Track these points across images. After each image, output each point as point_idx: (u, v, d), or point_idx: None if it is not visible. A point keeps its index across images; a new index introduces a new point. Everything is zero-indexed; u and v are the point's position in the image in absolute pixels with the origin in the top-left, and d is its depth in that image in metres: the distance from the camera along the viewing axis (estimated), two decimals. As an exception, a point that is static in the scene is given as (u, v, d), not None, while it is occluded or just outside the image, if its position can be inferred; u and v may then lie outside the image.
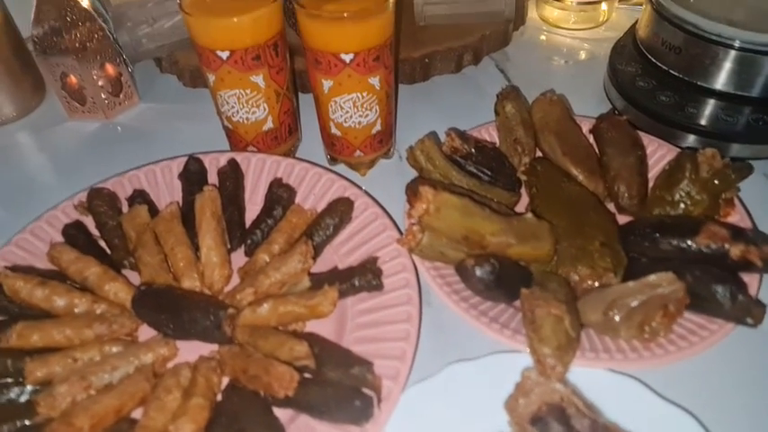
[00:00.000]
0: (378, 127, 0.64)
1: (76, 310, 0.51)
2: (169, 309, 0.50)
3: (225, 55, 0.58)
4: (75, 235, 0.59)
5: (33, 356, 0.47)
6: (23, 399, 0.46)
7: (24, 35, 0.81)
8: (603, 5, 0.88)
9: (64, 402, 0.44)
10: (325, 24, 0.55)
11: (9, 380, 0.47)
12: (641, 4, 0.87)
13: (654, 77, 0.69)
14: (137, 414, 0.45)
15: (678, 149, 0.62)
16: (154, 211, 0.61)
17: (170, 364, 0.50)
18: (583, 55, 0.88)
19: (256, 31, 0.57)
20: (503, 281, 0.49)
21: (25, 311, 0.52)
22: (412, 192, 0.57)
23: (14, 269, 0.53)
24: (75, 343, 0.49)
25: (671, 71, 0.68)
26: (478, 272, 0.48)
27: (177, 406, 0.44)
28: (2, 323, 0.50)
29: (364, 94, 0.60)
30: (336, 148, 0.67)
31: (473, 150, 0.60)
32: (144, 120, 0.82)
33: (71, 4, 0.73)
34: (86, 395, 0.45)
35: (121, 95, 0.81)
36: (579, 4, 0.87)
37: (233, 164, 0.64)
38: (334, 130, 0.64)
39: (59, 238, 0.58)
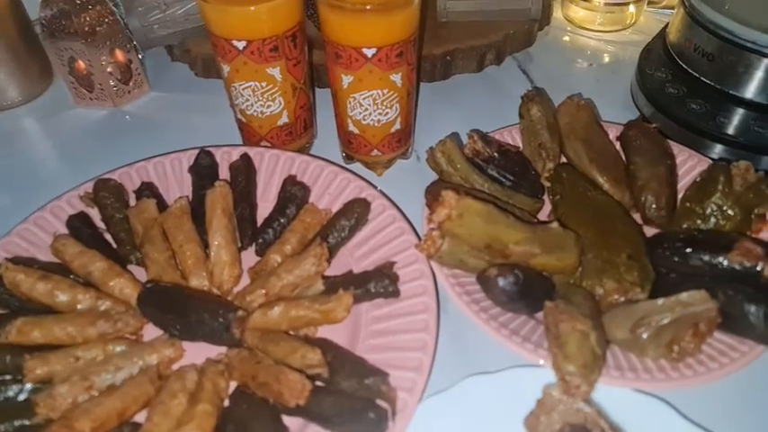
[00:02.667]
0: (397, 126, 0.62)
1: (79, 307, 0.49)
2: (176, 308, 0.48)
3: (241, 45, 0.56)
4: (79, 227, 0.57)
5: (33, 353, 0.45)
6: (22, 397, 0.45)
7: (32, 17, 0.79)
8: (631, 8, 0.85)
9: (64, 403, 0.42)
10: (348, 16, 0.53)
11: (7, 377, 0.45)
12: (671, 8, 0.85)
13: (684, 84, 0.67)
14: (140, 417, 0.43)
15: (709, 160, 0.60)
16: (162, 204, 0.59)
17: (175, 366, 0.48)
18: (608, 58, 0.85)
19: (275, 20, 0.55)
20: (526, 292, 0.47)
21: (26, 306, 0.50)
22: (433, 196, 0.55)
23: (16, 261, 0.51)
24: (77, 341, 0.47)
25: (702, 78, 0.66)
26: (501, 282, 0.45)
27: (183, 411, 0.42)
28: (1, 317, 0.48)
29: (385, 92, 0.58)
30: (353, 147, 0.64)
31: (496, 154, 0.58)
32: (154, 109, 0.80)
33: (80, -13, 0.71)
34: (88, 396, 0.43)
35: (131, 83, 0.79)
36: (606, 4, 0.84)
37: (246, 159, 0.62)
38: (351, 128, 0.62)
39: (63, 230, 0.56)
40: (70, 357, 0.45)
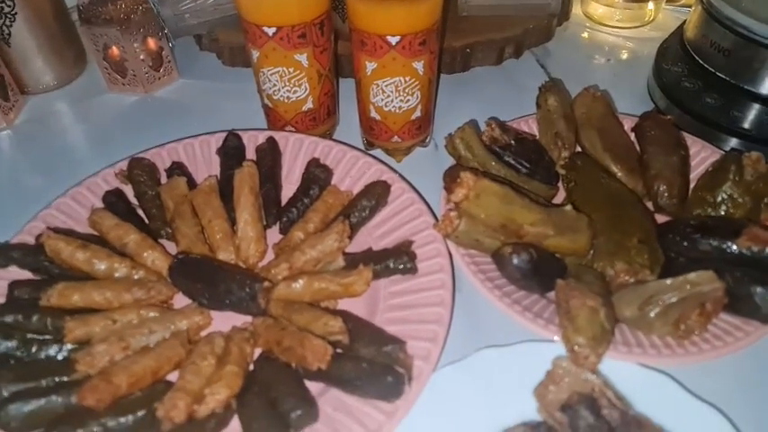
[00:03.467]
0: (417, 113, 0.64)
1: (116, 275, 0.52)
2: (205, 279, 0.51)
3: (271, 31, 0.58)
4: (114, 202, 0.60)
5: (74, 316, 0.48)
6: (61, 356, 0.48)
7: (68, 4, 0.82)
8: (650, 5, 0.86)
9: (102, 361, 0.45)
10: (374, 5, 0.55)
11: (48, 337, 0.48)
12: (688, 6, 0.86)
13: (700, 79, 0.68)
14: (171, 378, 0.46)
15: (721, 152, 0.61)
16: (191, 183, 0.62)
17: (204, 333, 0.50)
18: (625, 54, 0.86)
19: (304, 8, 0.58)
20: (539, 271, 0.49)
21: (65, 273, 0.53)
22: (451, 177, 0.56)
23: (56, 232, 0.54)
24: (114, 305, 0.50)
25: (718, 73, 0.67)
26: (516, 260, 0.47)
27: (212, 372, 0.44)
28: (43, 282, 0.51)
29: (407, 79, 0.60)
30: (374, 133, 0.67)
31: (512, 141, 0.60)
32: (182, 95, 0.83)
33: (116, -24, 0.74)
34: (124, 356, 0.46)
35: (161, 70, 0.82)
36: (626, 1, 0.86)
37: (271, 141, 0.65)
38: (373, 114, 0.65)
39: (99, 205, 0.60)
40: (108, 320, 0.48)
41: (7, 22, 0.75)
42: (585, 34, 0.90)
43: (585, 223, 0.52)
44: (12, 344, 0.46)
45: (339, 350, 0.46)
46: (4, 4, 0.74)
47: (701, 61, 0.69)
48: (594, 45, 0.88)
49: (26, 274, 0.53)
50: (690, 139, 0.63)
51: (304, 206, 0.60)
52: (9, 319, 0.47)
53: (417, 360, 0.45)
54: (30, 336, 0.47)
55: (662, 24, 0.89)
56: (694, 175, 0.60)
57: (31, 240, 0.55)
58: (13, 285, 0.50)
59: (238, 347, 0.47)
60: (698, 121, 0.66)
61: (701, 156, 0.62)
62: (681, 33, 0.75)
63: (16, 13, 0.75)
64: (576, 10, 0.93)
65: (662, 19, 0.91)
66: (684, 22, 0.75)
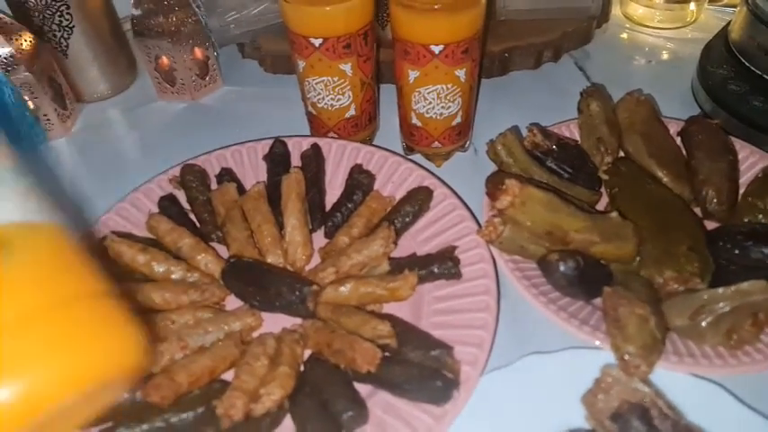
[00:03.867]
0: (458, 119, 0.65)
1: (173, 277, 0.54)
2: (256, 282, 0.53)
3: (318, 42, 0.60)
4: (168, 207, 0.62)
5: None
6: (124, 354, 0.50)
7: (120, 14, 0.86)
8: (692, 5, 0.85)
9: (163, 360, 0.47)
10: (417, 15, 0.57)
11: (112, 336, 0.51)
12: (732, 6, 0.85)
13: (747, 81, 0.67)
14: (226, 377, 0.48)
15: (771, 157, 0.61)
16: (240, 189, 0.64)
17: (255, 334, 0.52)
18: (667, 55, 0.85)
19: (349, 19, 0.59)
20: (585, 278, 0.49)
21: (125, 276, 0.55)
22: (494, 184, 0.57)
23: (119, 234, 0.57)
24: (171, 306, 0.52)
25: (765, 76, 0.66)
26: (562, 267, 0.48)
27: (265, 372, 0.46)
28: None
29: (449, 86, 0.61)
30: (415, 139, 0.68)
31: (555, 147, 0.60)
32: (226, 102, 0.85)
33: (167, -10, 0.77)
34: (182, 355, 0.48)
35: (207, 78, 0.85)
36: (667, 2, 0.85)
37: (316, 148, 0.66)
38: (414, 120, 0.66)
39: (155, 209, 0.62)
40: (167, 320, 0.50)
41: (65, 35, 0.79)
42: (625, 35, 0.90)
43: (631, 230, 0.52)
44: (79, 343, 0.49)
45: (387, 353, 0.48)
46: (62, 18, 0.78)
47: (747, 63, 0.68)
48: (635, 46, 0.88)
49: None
50: (738, 143, 0.62)
51: (348, 211, 0.62)
52: (75, 319, 0.50)
53: (464, 365, 0.46)
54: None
55: (704, 25, 0.88)
56: (743, 180, 0.59)
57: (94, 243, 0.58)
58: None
59: (290, 349, 0.49)
60: (745, 124, 0.65)
61: (750, 161, 0.61)
62: (725, 35, 0.73)
63: (74, 26, 0.79)
64: (616, 11, 0.92)
65: (704, 19, 0.89)
66: (729, 23, 0.74)
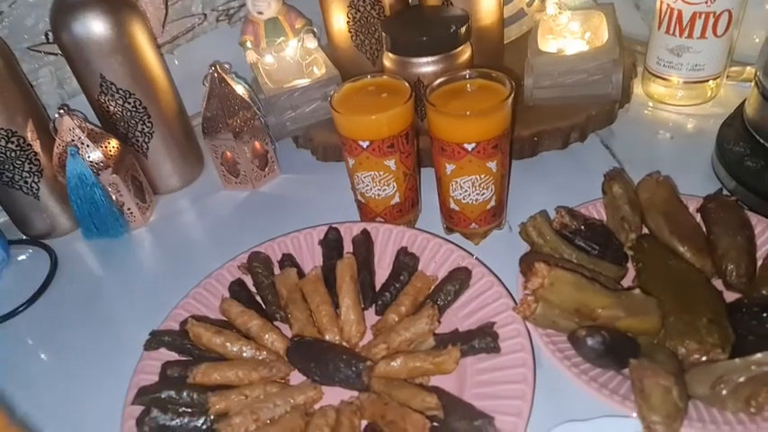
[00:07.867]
0: (492, 203, 0.72)
1: (244, 355, 0.62)
2: (317, 358, 0.60)
3: (365, 144, 0.69)
4: (238, 291, 0.71)
5: (215, 391, 0.58)
6: (205, 426, 0.57)
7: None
8: (711, 82, 0.91)
9: (239, 431, 0.54)
10: (452, 120, 0.65)
11: (195, 410, 0.58)
12: (749, 81, 0.90)
13: (762, 158, 0.72)
14: (293, 446, 0.55)
15: (788, 230, 0.64)
16: (300, 273, 0.72)
17: (317, 406, 0.59)
18: (689, 130, 0.91)
19: (392, 125, 0.69)
20: (612, 351, 0.54)
21: (203, 354, 0.64)
22: (526, 265, 0.64)
23: (197, 318, 0.66)
24: (244, 382, 0.59)
25: (779, 152, 0.70)
26: (590, 342, 0.53)
27: (328, 442, 0.53)
28: (188, 363, 0.62)
29: (482, 176, 0.69)
30: (454, 221, 0.75)
31: (582, 227, 0.66)
32: (284, 189, 0.96)
33: (232, 96, 0.89)
34: (255, 427, 0.55)
35: (266, 169, 0.96)
36: (686, 83, 0.91)
37: (365, 233, 0.75)
38: (452, 206, 0.73)
39: (225, 293, 0.71)
40: (241, 395, 0.58)
41: (146, 140, 0.92)
42: (648, 112, 0.96)
43: (654, 305, 0.57)
44: (168, 416, 0.57)
45: (435, 424, 0.53)
46: (144, 126, 0.91)
47: (762, 141, 0.73)
48: (658, 123, 0.93)
49: (173, 355, 0.64)
50: (755, 217, 0.66)
51: (396, 290, 0.69)
52: (164, 395, 0.58)
53: (505, 433, 0.51)
54: (181, 409, 0.57)
55: (724, 100, 0.93)
56: (761, 253, 0.63)
57: (175, 326, 0.67)
58: (166, 365, 0.62)
59: (348, 420, 0.55)
60: (762, 198, 0.69)
61: (767, 235, 0.65)
62: (741, 113, 0.79)
63: (154, 132, 0.92)
64: (638, 90, 0.99)
65: (724, 94, 0.94)
66: (745, 100, 0.79)
